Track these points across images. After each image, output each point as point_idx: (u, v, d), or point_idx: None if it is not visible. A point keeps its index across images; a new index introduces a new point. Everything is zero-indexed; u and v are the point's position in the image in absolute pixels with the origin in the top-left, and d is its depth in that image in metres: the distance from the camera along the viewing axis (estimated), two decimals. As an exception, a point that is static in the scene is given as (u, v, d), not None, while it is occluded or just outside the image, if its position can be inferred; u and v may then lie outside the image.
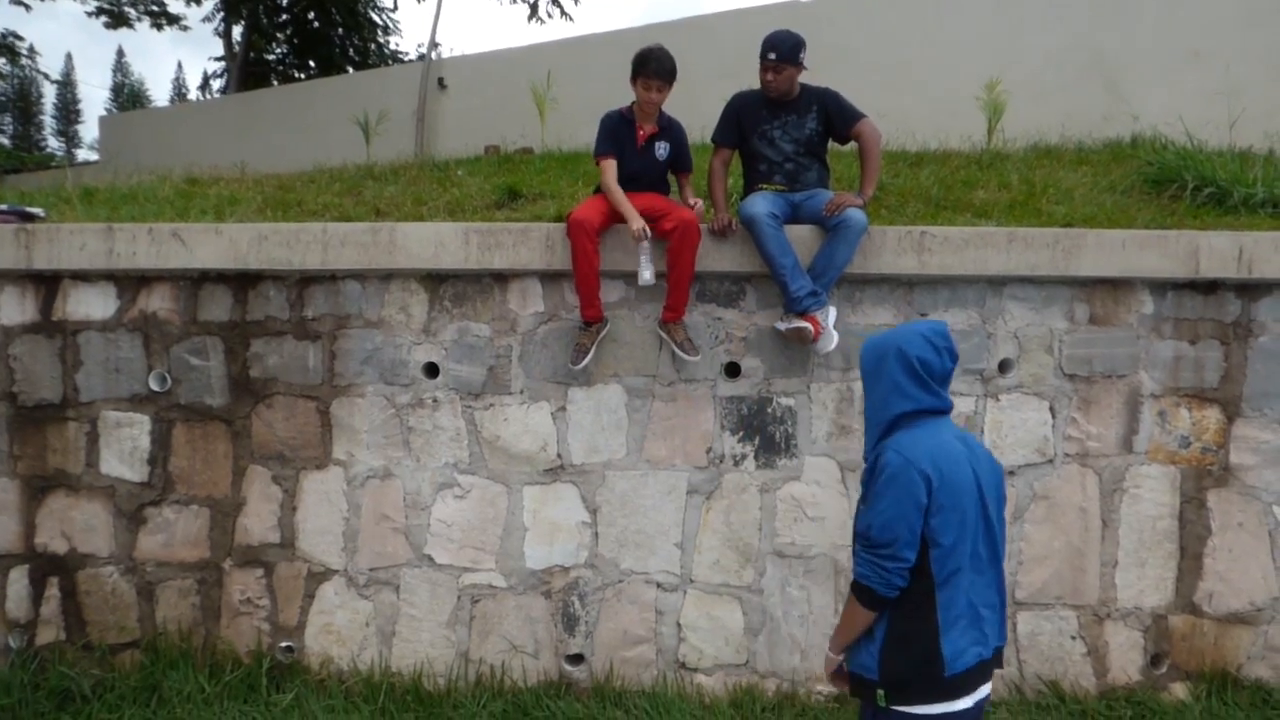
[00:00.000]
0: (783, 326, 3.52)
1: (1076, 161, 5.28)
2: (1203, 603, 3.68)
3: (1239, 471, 3.67)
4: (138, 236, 3.67)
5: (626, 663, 3.68)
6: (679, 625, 3.69)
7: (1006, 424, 3.65)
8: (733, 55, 6.40)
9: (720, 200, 3.71)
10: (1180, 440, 3.68)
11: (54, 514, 3.75)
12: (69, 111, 44.15)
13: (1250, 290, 3.67)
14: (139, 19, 15.57)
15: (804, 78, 3.68)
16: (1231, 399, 3.67)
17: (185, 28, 16.07)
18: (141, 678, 3.60)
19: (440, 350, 3.71)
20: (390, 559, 3.72)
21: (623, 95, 3.71)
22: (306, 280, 3.72)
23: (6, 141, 35.07)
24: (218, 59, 17.79)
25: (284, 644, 3.75)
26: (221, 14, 15.34)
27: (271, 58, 17.00)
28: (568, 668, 3.71)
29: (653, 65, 3.46)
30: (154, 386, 3.75)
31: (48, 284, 3.75)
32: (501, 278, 3.70)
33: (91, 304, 3.75)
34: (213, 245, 3.67)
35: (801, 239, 3.56)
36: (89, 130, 43.60)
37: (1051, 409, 3.67)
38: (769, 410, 3.67)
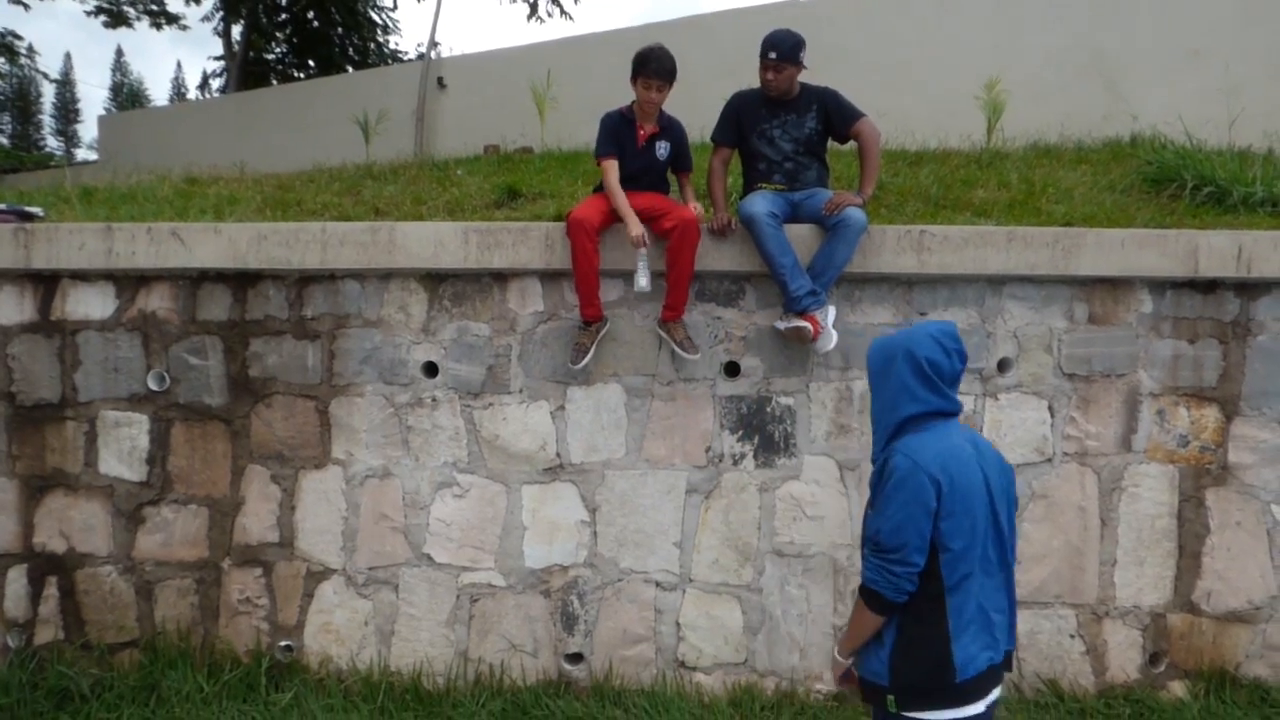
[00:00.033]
0: (782, 326, 3.52)
1: (1076, 161, 5.29)
2: (1201, 601, 3.68)
3: (1237, 470, 3.67)
4: (137, 236, 3.67)
5: (626, 662, 3.68)
6: (678, 624, 3.69)
7: (1005, 423, 3.65)
8: (732, 54, 6.40)
9: (720, 199, 3.71)
10: (1179, 439, 3.68)
11: (52, 513, 3.75)
12: (68, 111, 44.14)
13: (1249, 289, 3.67)
14: (138, 18, 15.57)
15: (803, 77, 3.68)
16: (1230, 398, 3.67)
17: (184, 27, 16.06)
18: (140, 677, 3.60)
19: (439, 350, 3.71)
20: (389, 558, 3.72)
21: (622, 94, 3.71)
22: (306, 280, 3.72)
23: (5, 141, 35.07)
24: (217, 58, 17.80)
25: (283, 643, 3.75)
26: (221, 13, 15.34)
27: (271, 57, 17.00)
28: (567, 667, 3.71)
29: (653, 65, 3.46)
30: (153, 386, 3.75)
31: (46, 283, 3.75)
32: (501, 277, 3.70)
33: (90, 303, 3.74)
34: (212, 245, 3.67)
35: (801, 238, 3.56)
36: (88, 130, 43.62)
37: (1050, 408, 3.67)
38: (768, 409, 3.67)
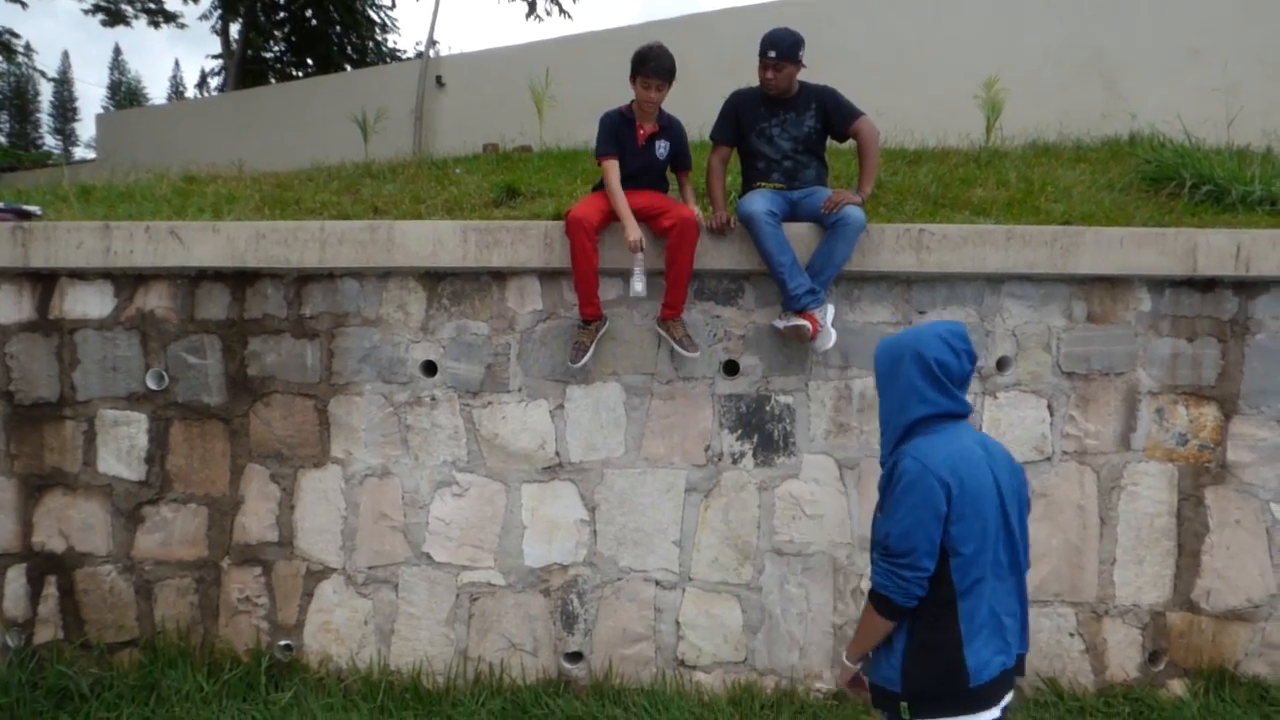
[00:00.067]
0: (781, 324, 3.52)
1: (1075, 159, 5.29)
2: (1200, 600, 3.68)
3: (1236, 469, 3.68)
4: (135, 235, 3.66)
5: (625, 660, 3.68)
6: (678, 623, 3.69)
7: (1004, 422, 3.65)
8: (732, 53, 6.39)
9: (719, 198, 3.71)
10: (1178, 438, 3.68)
11: (51, 513, 3.74)
12: (66, 109, 44.08)
13: (1248, 288, 3.67)
14: (136, 16, 15.53)
15: (802, 75, 3.68)
16: (1229, 396, 3.67)
17: (182, 25, 16.02)
18: (140, 676, 3.60)
19: (438, 348, 3.70)
20: (389, 557, 3.72)
21: (621, 93, 3.71)
22: (304, 278, 3.72)
23: (3, 140, 35.04)
24: (215, 57, 17.78)
25: (282, 642, 3.75)
26: (219, 12, 15.31)
27: (269, 56, 16.97)
28: (566, 665, 3.71)
29: (652, 64, 3.45)
30: (151, 385, 3.74)
31: (45, 282, 3.75)
32: (500, 276, 3.69)
33: (89, 302, 3.74)
34: (210, 243, 3.66)
35: (800, 237, 3.56)
36: (86, 128, 43.55)
37: (1049, 407, 3.67)
38: (767, 408, 3.67)
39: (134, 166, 6.61)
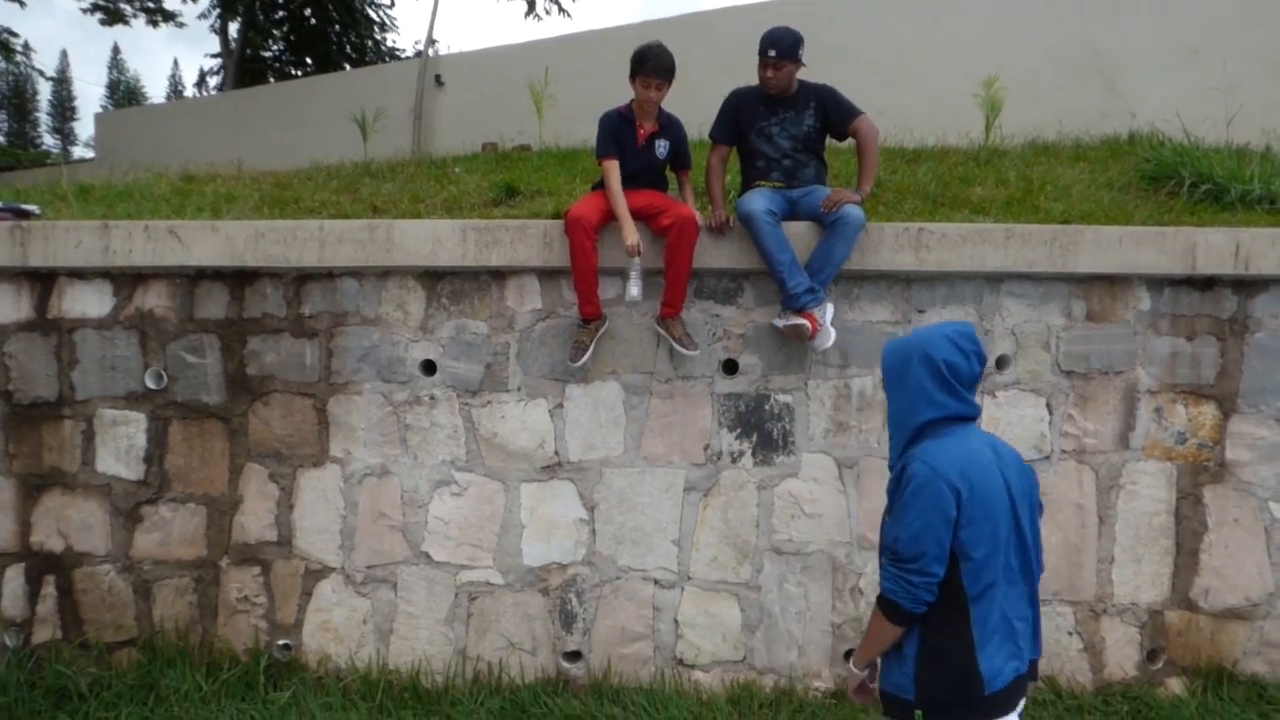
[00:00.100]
0: (780, 323, 3.51)
1: (1074, 158, 5.29)
2: (1199, 598, 3.69)
3: (1235, 467, 3.68)
4: (134, 234, 3.66)
5: (624, 659, 3.69)
6: (676, 622, 3.69)
7: (1004, 421, 3.65)
8: (731, 52, 6.38)
9: (718, 197, 3.71)
10: (1177, 436, 3.68)
11: (50, 512, 3.74)
12: (64, 109, 44.03)
13: (1247, 286, 3.67)
14: (134, 15, 15.52)
15: (802, 74, 3.68)
16: (1228, 395, 3.68)
17: (181, 24, 16.02)
18: (138, 676, 3.59)
19: (437, 348, 3.70)
20: (388, 557, 3.72)
21: (620, 92, 3.70)
22: (303, 278, 3.72)
23: (2, 139, 34.99)
24: (214, 56, 17.75)
25: (281, 642, 3.75)
26: (218, 11, 15.29)
27: (268, 55, 16.95)
28: (565, 665, 3.71)
29: (651, 63, 3.45)
30: (150, 384, 3.74)
31: (43, 282, 3.74)
32: (499, 275, 3.69)
33: (87, 302, 3.73)
34: (209, 243, 3.66)
35: (799, 236, 3.56)
36: (84, 127, 43.51)
37: (1048, 405, 3.67)
38: (766, 407, 3.67)
39: (133, 166, 6.60)
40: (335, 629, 3.73)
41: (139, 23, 15.81)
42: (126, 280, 3.73)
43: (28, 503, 3.74)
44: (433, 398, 3.70)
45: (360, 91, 9.92)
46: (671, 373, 3.67)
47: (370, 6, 16.34)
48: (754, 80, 3.69)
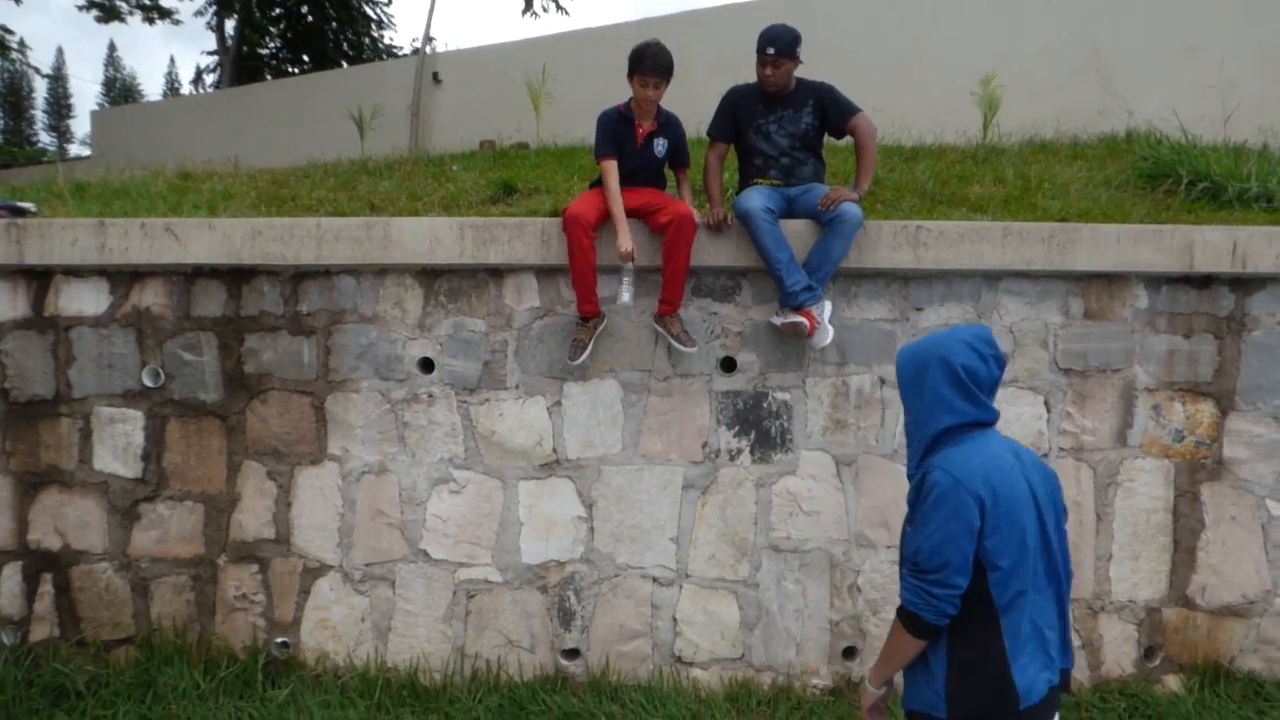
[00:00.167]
0: (778, 321, 3.52)
1: (1071, 156, 5.29)
2: (1196, 596, 3.70)
3: (1232, 465, 3.69)
4: (130, 231, 3.65)
5: (622, 657, 3.69)
6: (675, 619, 3.70)
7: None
8: (729, 50, 6.39)
9: (716, 195, 3.71)
10: (1174, 434, 3.69)
11: (47, 510, 3.73)
12: (60, 106, 43.87)
13: (1244, 284, 3.68)
14: (130, 13, 15.46)
15: (800, 72, 3.67)
16: (1225, 393, 3.68)
17: (177, 22, 15.96)
18: (136, 674, 3.59)
19: (435, 345, 3.70)
20: (386, 554, 3.72)
21: (618, 89, 3.70)
22: (301, 275, 3.71)
23: (-2, 136, 34.87)
24: (211, 53, 17.67)
25: (279, 640, 3.75)
26: (214, 8, 15.24)
27: (265, 52, 16.91)
28: (564, 662, 3.71)
29: (649, 62, 3.44)
30: (147, 382, 3.73)
31: (40, 279, 3.73)
32: (497, 273, 3.69)
33: (84, 299, 3.73)
34: (206, 240, 3.65)
35: (797, 233, 3.56)
36: (81, 125, 43.41)
37: (1046, 403, 3.68)
38: (764, 405, 3.67)
39: (129, 163, 6.58)
40: (333, 627, 3.73)
41: (135, 20, 15.79)
42: (123, 278, 3.72)
43: (25, 501, 3.73)
44: (431, 395, 3.69)
45: (357, 89, 9.90)
46: (670, 370, 3.67)
47: (367, 4, 16.31)
48: (752, 78, 3.69)
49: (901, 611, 1.87)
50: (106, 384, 3.72)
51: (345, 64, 15.66)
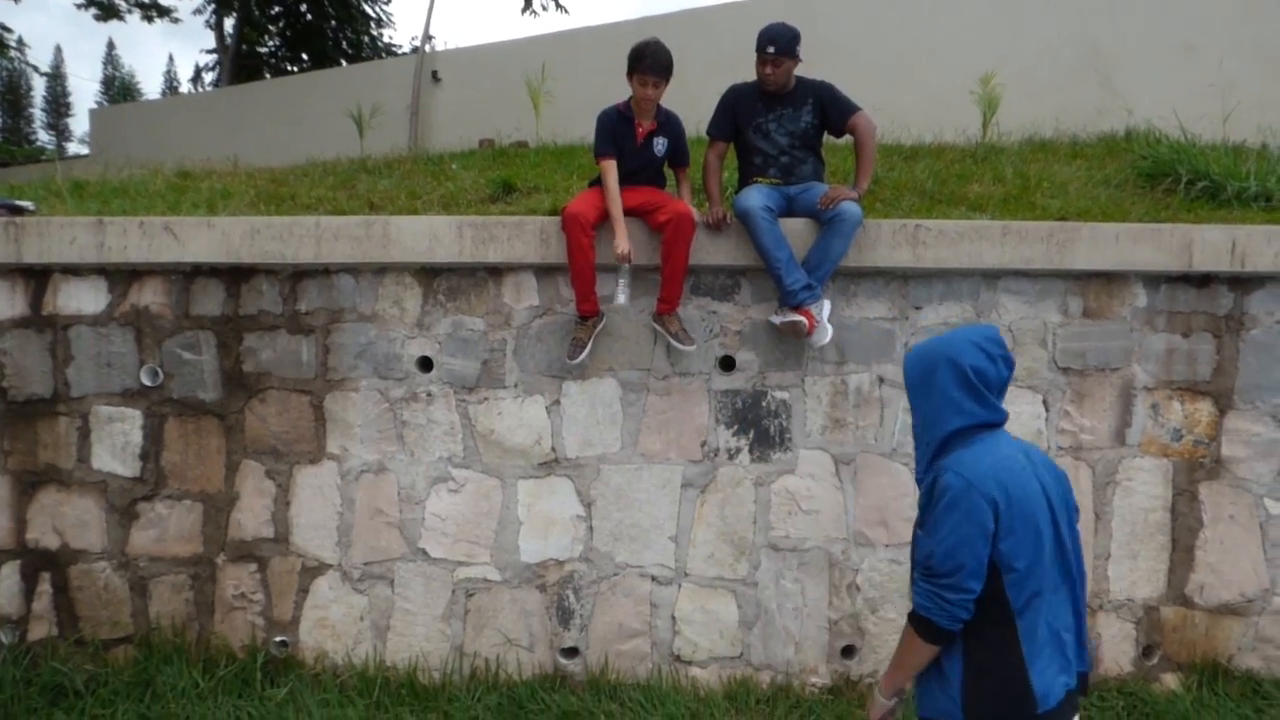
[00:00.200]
0: (777, 320, 3.52)
1: (1070, 155, 5.29)
2: (1194, 594, 3.70)
3: (1230, 464, 3.69)
4: (129, 230, 3.65)
5: (621, 656, 3.69)
6: (673, 618, 3.70)
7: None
8: (728, 48, 6.38)
9: (715, 193, 3.71)
10: (1172, 433, 3.69)
11: (45, 509, 3.73)
12: (59, 105, 43.82)
13: (1243, 283, 3.68)
14: (129, 11, 15.45)
15: (799, 70, 3.67)
16: (1223, 392, 3.69)
17: (176, 20, 15.95)
18: (135, 673, 3.59)
19: (434, 344, 3.70)
20: (384, 553, 3.72)
21: (618, 88, 3.69)
22: (300, 274, 3.71)
23: (-4, 135, 34.82)
24: (209, 51, 17.67)
25: (278, 638, 3.75)
26: (213, 6, 15.23)
27: (264, 51, 16.90)
28: (562, 661, 3.71)
29: (649, 61, 3.43)
30: (146, 381, 3.73)
31: (38, 278, 3.73)
32: (496, 271, 3.69)
33: (82, 298, 3.72)
34: (205, 239, 3.65)
35: (796, 232, 3.56)
36: (79, 124, 43.36)
37: (1045, 402, 3.68)
38: (763, 404, 3.67)
39: (128, 162, 6.56)
40: (332, 626, 3.73)
41: (134, 18, 15.75)
42: (122, 277, 3.72)
43: (23, 500, 3.73)
44: (429, 394, 3.69)
45: (356, 88, 9.89)
46: (669, 369, 3.67)
47: (367, 2, 16.31)
48: (752, 77, 3.69)
49: (914, 617, 1.84)
50: (105, 383, 3.72)
51: (344, 62, 15.66)
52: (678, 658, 3.70)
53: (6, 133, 37.34)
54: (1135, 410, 3.68)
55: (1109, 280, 3.67)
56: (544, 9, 13.90)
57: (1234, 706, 3.47)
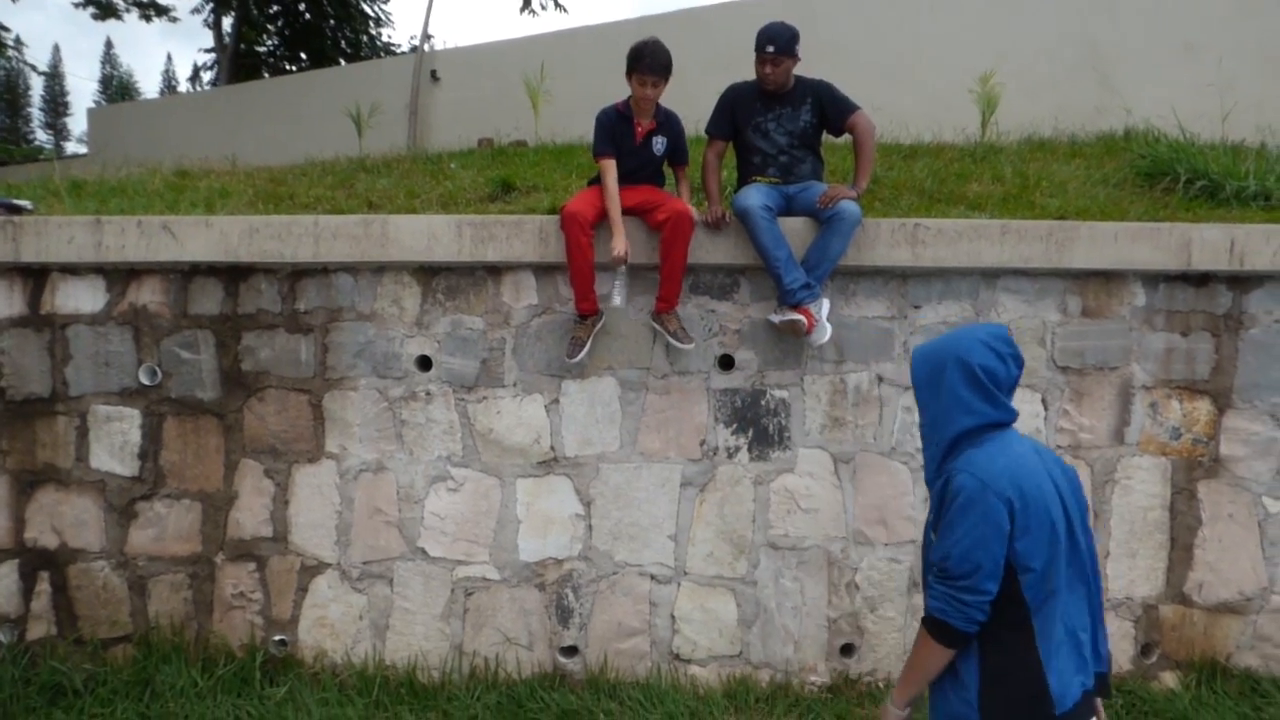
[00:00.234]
0: (776, 319, 3.52)
1: (1069, 154, 5.29)
2: (1193, 593, 3.70)
3: (1229, 463, 3.69)
4: (127, 229, 3.64)
5: (620, 654, 3.69)
6: (673, 617, 3.70)
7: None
8: (727, 48, 6.38)
9: (714, 192, 3.70)
10: (1171, 432, 3.70)
11: (44, 508, 3.73)
12: (57, 104, 43.75)
13: (1241, 282, 3.68)
14: (127, 10, 15.42)
15: (798, 70, 3.67)
16: (1222, 390, 3.69)
17: (174, 19, 15.92)
18: (134, 672, 3.59)
19: (433, 343, 3.69)
20: (383, 552, 3.71)
21: (616, 87, 3.69)
22: (298, 273, 3.70)
23: (-6, 134, 34.78)
24: (208, 51, 17.67)
25: (277, 638, 3.74)
26: (211, 5, 15.21)
27: (262, 50, 16.89)
28: (562, 660, 3.71)
29: (648, 60, 3.43)
30: (144, 380, 3.72)
31: (36, 277, 3.72)
32: (495, 270, 3.68)
33: (80, 297, 3.72)
34: (203, 238, 3.64)
35: (795, 231, 3.56)
36: (77, 123, 43.32)
37: (1044, 401, 3.68)
38: (762, 402, 3.67)
39: (126, 161, 6.55)
40: (331, 625, 3.73)
41: (132, 17, 15.72)
42: (120, 276, 3.71)
43: (21, 499, 3.73)
44: (428, 393, 3.69)
45: (355, 87, 9.88)
46: (668, 368, 3.67)
47: (365, 2, 16.29)
48: (751, 76, 3.69)
49: (929, 620, 1.81)
50: (103, 382, 3.71)
51: (343, 62, 15.66)
52: (677, 656, 3.70)
53: (4, 132, 37.30)
54: (1134, 409, 3.69)
55: (1108, 279, 3.67)
56: (543, 8, 13.87)
57: (1232, 705, 3.48)
